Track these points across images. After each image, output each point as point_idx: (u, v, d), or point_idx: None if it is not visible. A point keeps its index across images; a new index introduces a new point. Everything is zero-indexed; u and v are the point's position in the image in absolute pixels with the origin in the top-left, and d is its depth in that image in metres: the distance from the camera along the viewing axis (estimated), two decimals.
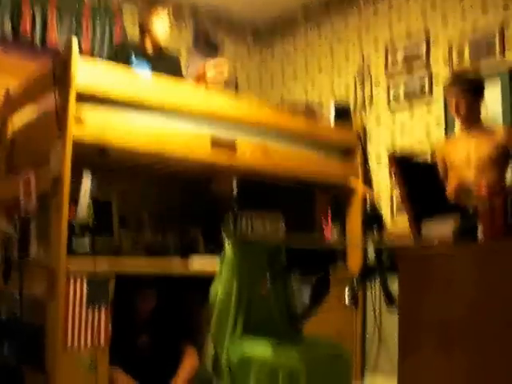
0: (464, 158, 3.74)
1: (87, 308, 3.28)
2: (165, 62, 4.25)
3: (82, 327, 3.25)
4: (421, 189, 2.38)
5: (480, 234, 1.92)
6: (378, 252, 2.67)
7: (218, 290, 3.02)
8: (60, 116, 3.26)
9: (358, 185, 4.49)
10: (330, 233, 3.04)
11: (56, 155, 3.26)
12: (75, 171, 3.27)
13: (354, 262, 4.44)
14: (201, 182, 4.33)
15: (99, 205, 3.46)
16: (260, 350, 2.86)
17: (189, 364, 3.74)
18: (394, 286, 2.31)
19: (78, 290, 3.25)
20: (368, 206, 4.71)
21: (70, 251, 3.25)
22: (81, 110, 3.31)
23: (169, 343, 3.82)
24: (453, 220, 2.12)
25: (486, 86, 3.83)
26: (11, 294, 3.60)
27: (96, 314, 3.31)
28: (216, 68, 4.22)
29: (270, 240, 3.04)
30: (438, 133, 4.62)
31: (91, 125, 3.34)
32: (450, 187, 3.70)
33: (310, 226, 3.13)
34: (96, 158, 3.49)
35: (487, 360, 1.53)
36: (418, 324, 1.68)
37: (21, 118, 3.87)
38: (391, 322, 4.34)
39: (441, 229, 2.08)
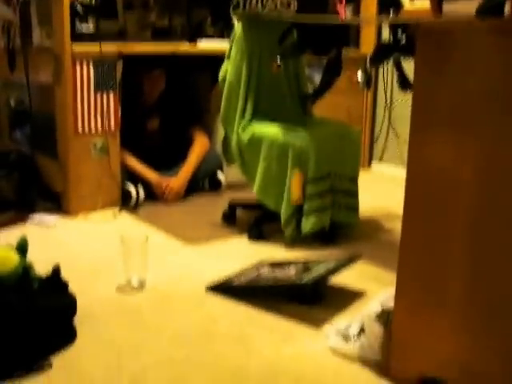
0: None
1: (95, 93, 3.25)
2: None
3: (91, 112, 3.25)
4: None
5: (507, 10, 1.81)
6: (394, 30, 2.56)
7: (227, 71, 2.96)
8: None
9: None
10: (344, 12, 2.89)
11: None
12: None
13: (368, 42, 4.31)
14: None
15: None
16: (270, 130, 2.86)
17: (199, 147, 3.78)
18: (408, 70, 2.24)
19: (85, 75, 3.20)
20: None
21: (74, 36, 3.15)
22: None
23: (178, 127, 3.83)
24: None
25: None
26: (19, 83, 3.57)
27: (105, 98, 3.28)
28: None
29: (281, 18, 2.91)
30: None
31: None
32: None
33: (323, 4, 2.98)
34: None
35: (495, 148, 1.49)
36: (432, 107, 1.63)
37: None
38: (401, 107, 4.32)
39: (464, 7, 1.96)
